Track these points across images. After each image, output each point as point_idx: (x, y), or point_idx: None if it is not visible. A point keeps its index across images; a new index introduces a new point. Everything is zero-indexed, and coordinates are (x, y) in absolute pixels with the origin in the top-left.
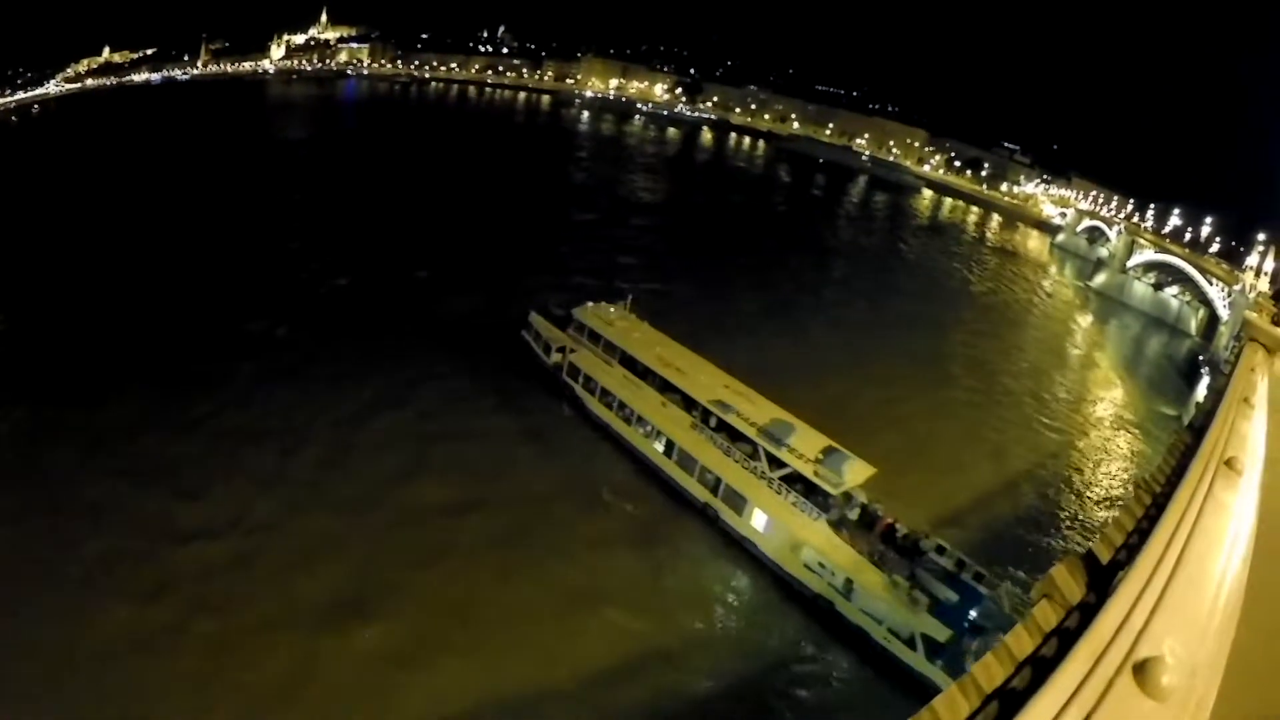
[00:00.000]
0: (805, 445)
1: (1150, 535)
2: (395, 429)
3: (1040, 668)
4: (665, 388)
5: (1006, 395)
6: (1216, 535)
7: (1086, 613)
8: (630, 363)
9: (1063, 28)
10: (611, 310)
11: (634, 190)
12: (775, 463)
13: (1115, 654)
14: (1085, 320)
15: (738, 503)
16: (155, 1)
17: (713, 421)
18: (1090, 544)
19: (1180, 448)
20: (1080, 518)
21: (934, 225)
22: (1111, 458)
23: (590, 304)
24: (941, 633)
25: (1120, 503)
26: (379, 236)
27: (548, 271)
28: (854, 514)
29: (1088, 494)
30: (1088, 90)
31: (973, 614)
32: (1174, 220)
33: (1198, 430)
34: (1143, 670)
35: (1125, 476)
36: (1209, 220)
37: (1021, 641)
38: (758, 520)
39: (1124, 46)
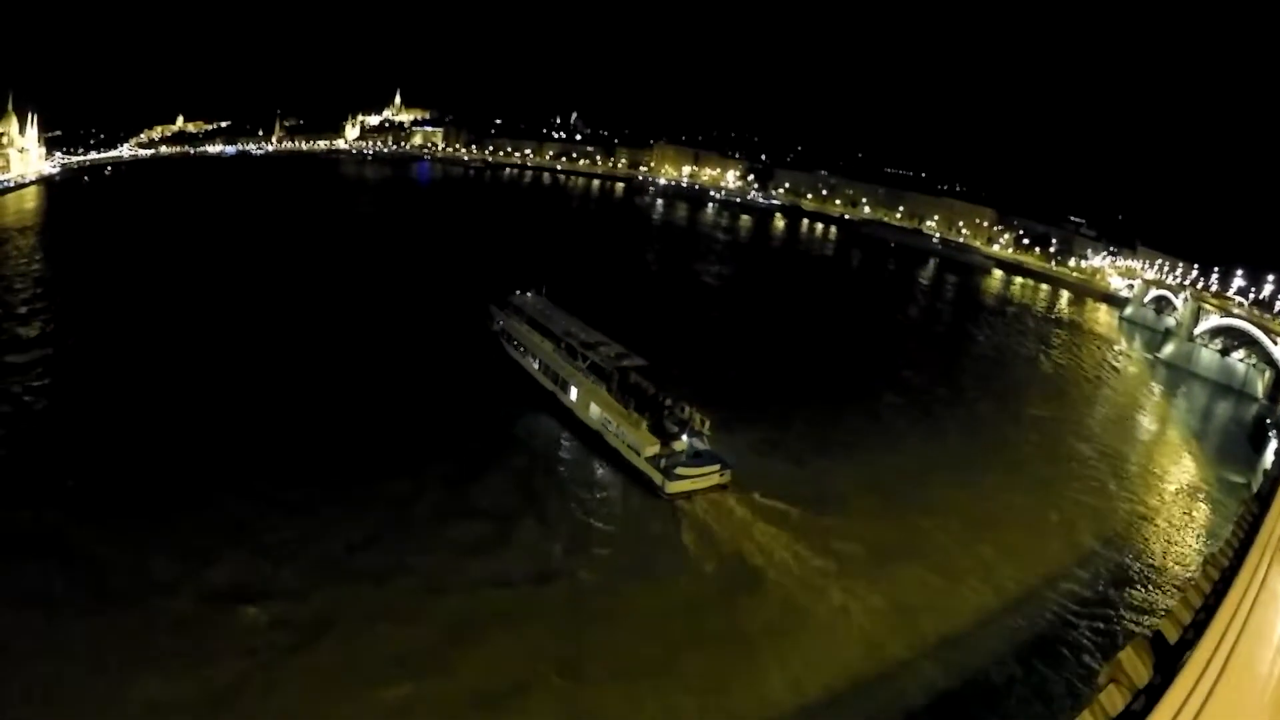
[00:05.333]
0: (606, 350)
1: (1200, 638)
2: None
3: None
4: (546, 334)
5: (1076, 470)
6: (1265, 634)
7: (1152, 697)
8: (532, 322)
9: (1123, 99)
10: (529, 295)
11: (706, 275)
12: (584, 359)
13: None
14: (1154, 392)
15: (566, 386)
16: (231, 75)
17: (564, 345)
18: (1158, 625)
19: (1246, 521)
20: (1148, 591)
21: (1004, 305)
22: (1179, 529)
23: (518, 291)
24: (653, 444)
25: (1189, 580)
26: (443, 324)
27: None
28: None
29: (1156, 567)
30: (1149, 158)
31: (685, 439)
32: (1237, 282)
33: (1264, 500)
34: None
35: (1194, 548)
36: (1270, 279)
37: None
38: (573, 393)
39: (1184, 113)
